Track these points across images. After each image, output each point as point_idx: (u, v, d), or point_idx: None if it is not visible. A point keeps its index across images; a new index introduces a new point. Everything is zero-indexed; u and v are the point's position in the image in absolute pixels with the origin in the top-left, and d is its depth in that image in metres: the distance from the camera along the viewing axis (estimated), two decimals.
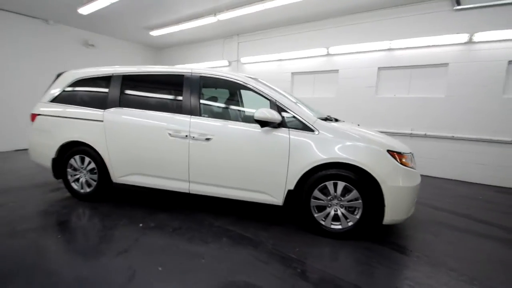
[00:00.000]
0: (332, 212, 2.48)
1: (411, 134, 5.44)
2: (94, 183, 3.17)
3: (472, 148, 4.90)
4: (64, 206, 3.06)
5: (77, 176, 3.24)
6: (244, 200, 2.70)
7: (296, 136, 2.48)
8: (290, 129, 2.52)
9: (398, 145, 2.52)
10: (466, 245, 2.52)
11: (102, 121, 3.01)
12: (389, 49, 5.51)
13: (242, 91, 3.40)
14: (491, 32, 4.51)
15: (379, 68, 5.71)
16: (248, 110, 3.12)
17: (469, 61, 4.80)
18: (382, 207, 2.35)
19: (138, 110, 2.94)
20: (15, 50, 6.37)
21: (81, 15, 6.20)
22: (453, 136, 5.04)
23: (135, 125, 2.89)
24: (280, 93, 2.75)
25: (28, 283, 1.74)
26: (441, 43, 4.97)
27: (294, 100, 2.87)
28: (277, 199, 2.58)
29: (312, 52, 6.35)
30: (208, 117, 2.77)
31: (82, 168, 3.19)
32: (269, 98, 2.62)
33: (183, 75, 2.90)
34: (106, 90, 3.14)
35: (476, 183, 4.84)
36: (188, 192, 2.83)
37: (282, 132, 2.51)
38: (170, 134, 2.75)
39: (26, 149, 4.05)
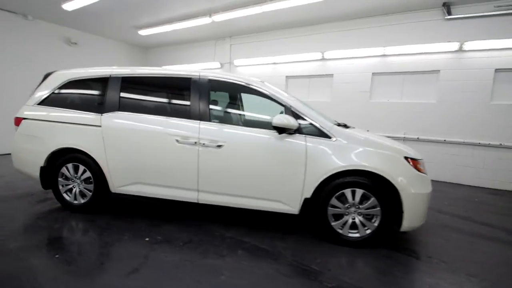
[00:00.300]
0: (350, 220, 2.43)
1: (404, 138, 5.58)
2: (89, 194, 2.91)
3: (463, 151, 5.11)
4: (56, 220, 2.78)
5: (70, 186, 2.96)
6: (257, 210, 2.58)
7: (313, 143, 2.41)
8: (306, 135, 2.45)
9: (412, 151, 2.53)
10: (477, 249, 2.57)
11: (99, 126, 2.77)
12: (383, 55, 5.64)
13: (251, 95, 3.28)
14: (479, 42, 4.74)
15: (373, 73, 5.83)
16: (261, 115, 3.01)
17: (459, 68, 5.01)
18: (400, 214, 2.34)
19: (141, 114, 2.74)
20: None
21: (64, 11, 5.80)
22: (445, 140, 5.23)
23: (138, 130, 2.69)
24: (294, 99, 2.67)
25: None
26: (433, 51, 5.16)
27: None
28: (293, 207, 2.49)
29: (307, 56, 6.37)
30: (219, 122, 2.64)
31: (75, 177, 2.92)
32: (284, 103, 2.54)
33: (190, 78, 2.74)
34: (103, 92, 2.90)
35: (468, 185, 5.04)
36: (196, 201, 2.67)
37: (298, 139, 2.43)
38: (177, 140, 2.58)
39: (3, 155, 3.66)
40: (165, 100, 2.85)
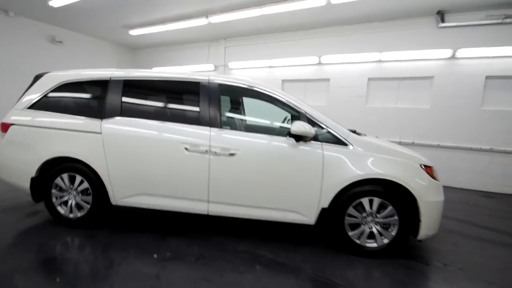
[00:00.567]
0: (367, 230, 2.39)
1: (399, 142, 5.68)
2: (87, 206, 2.68)
3: (456, 155, 5.27)
4: (51, 236, 2.53)
5: (65, 198, 2.72)
6: (271, 221, 2.48)
7: (330, 150, 2.35)
8: (322, 143, 2.38)
9: (425, 158, 2.53)
10: (487, 254, 2.61)
11: (99, 133, 2.56)
12: (379, 61, 5.74)
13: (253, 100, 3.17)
14: (471, 49, 4.92)
15: (369, 78, 5.91)
16: (275, 122, 2.92)
17: (452, 75, 5.18)
18: (417, 222, 2.32)
19: (146, 120, 2.56)
20: None
21: (49, 7, 5.46)
22: (438, 145, 5.38)
23: (143, 138, 2.51)
24: (307, 105, 2.60)
25: None
26: (427, 57, 5.30)
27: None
28: (309, 218, 2.41)
29: (304, 60, 6.37)
30: (230, 129, 2.52)
31: (71, 188, 2.69)
32: (299, 110, 2.46)
33: (198, 83, 2.60)
34: (102, 96, 2.70)
35: (460, 188, 5.20)
36: (206, 213, 2.53)
37: (315, 147, 2.36)
38: (186, 148, 2.43)
39: None
40: (171, 105, 2.70)
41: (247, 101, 3.09)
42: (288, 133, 2.40)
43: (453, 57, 5.10)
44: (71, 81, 2.80)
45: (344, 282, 2.01)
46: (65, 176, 2.66)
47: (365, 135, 2.88)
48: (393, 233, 2.36)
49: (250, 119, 3.05)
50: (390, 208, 2.32)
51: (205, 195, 2.48)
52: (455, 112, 5.21)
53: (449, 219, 3.49)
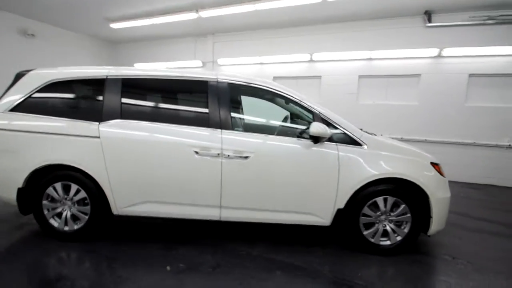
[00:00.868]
0: (381, 228, 2.41)
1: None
2: (84, 217, 2.45)
3: (442, 150, 5.51)
4: (45, 252, 2.29)
5: (58, 210, 2.47)
6: (285, 224, 2.42)
7: (345, 151, 2.33)
8: (337, 143, 2.35)
9: (431, 155, 2.59)
10: (490, 246, 2.74)
11: (98, 137, 2.34)
12: (369, 59, 5.85)
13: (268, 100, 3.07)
14: (456, 49, 5.16)
15: (359, 76, 6.02)
16: (287, 123, 2.84)
17: (438, 73, 5.41)
18: (428, 219, 2.37)
19: (149, 123, 2.38)
20: None
21: None
22: (425, 140, 5.61)
23: (148, 141, 2.33)
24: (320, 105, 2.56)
25: None
26: (414, 56, 5.48)
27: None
28: (325, 219, 2.38)
29: (296, 57, 6.34)
30: (242, 131, 2.41)
31: (66, 199, 2.44)
32: (313, 110, 2.41)
33: (206, 82, 2.46)
34: (98, 97, 2.47)
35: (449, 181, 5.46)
36: (219, 219, 2.41)
37: (330, 148, 2.33)
38: (196, 152, 2.29)
39: None
40: (177, 106, 2.53)
41: (256, 101, 2.99)
42: (299, 134, 2.35)
43: (439, 55, 5.32)
44: (61, 80, 2.53)
45: (364, 282, 2.01)
46: (58, 185, 2.41)
47: (375, 134, 2.89)
48: (406, 230, 2.39)
49: (261, 120, 2.95)
50: (403, 206, 2.35)
51: (217, 201, 2.36)
52: (441, 108, 5.45)
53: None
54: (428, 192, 2.31)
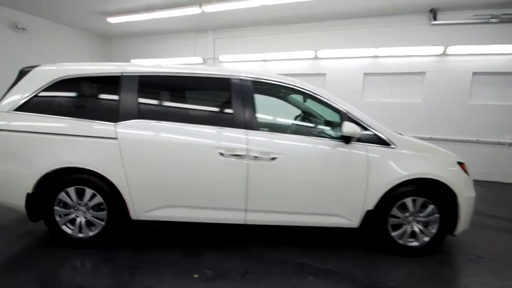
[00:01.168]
0: (409, 229, 2.37)
1: None
2: (100, 223, 2.31)
3: (446, 147, 5.56)
4: (59, 261, 2.14)
5: (71, 216, 2.31)
6: (312, 226, 2.36)
7: (374, 152, 2.27)
8: (366, 143, 2.29)
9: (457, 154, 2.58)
10: (506, 243, 2.77)
11: (115, 138, 2.20)
12: (375, 56, 5.84)
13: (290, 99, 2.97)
14: (460, 47, 5.20)
15: (364, 73, 6.00)
16: (313, 122, 2.75)
17: (442, 70, 5.45)
18: (455, 218, 2.36)
19: (170, 123, 2.25)
20: None
21: None
22: (430, 137, 5.66)
23: (169, 143, 2.20)
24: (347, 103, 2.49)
25: None
26: (419, 54, 5.50)
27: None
28: (353, 221, 2.33)
29: (300, 54, 6.26)
30: (268, 131, 2.31)
31: (80, 204, 2.29)
32: (341, 109, 2.34)
33: (229, 79, 2.35)
34: (113, 96, 2.31)
35: None
36: (243, 223, 2.32)
37: (359, 148, 2.27)
38: (221, 153, 2.18)
39: None
40: (199, 105, 2.40)
41: (281, 99, 2.89)
42: (326, 134, 2.28)
43: (444, 54, 5.35)
44: (70, 77, 2.36)
45: (400, 285, 1.97)
46: (71, 190, 2.25)
47: (401, 134, 2.86)
48: (433, 231, 2.37)
49: (286, 119, 2.86)
50: (432, 206, 2.32)
51: (243, 204, 2.27)
52: (445, 106, 5.51)
53: None
54: (457, 192, 2.29)
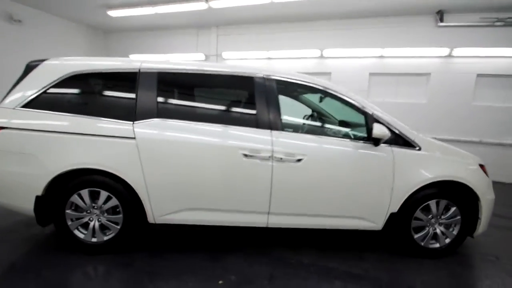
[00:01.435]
0: (431, 231, 2.36)
1: None
2: (116, 227, 2.19)
3: None
4: (70, 268, 2.02)
5: (84, 220, 2.19)
6: (334, 229, 2.31)
7: (400, 154, 2.24)
8: (391, 145, 2.25)
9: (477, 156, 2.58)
10: None
11: (133, 138, 2.08)
12: (381, 56, 5.83)
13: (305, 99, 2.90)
14: (466, 49, 5.24)
15: (370, 73, 5.99)
16: (338, 123, 2.70)
17: (448, 72, 5.49)
18: (475, 220, 2.35)
19: (190, 122, 2.15)
20: None
21: None
22: (435, 138, 5.70)
23: (191, 144, 2.11)
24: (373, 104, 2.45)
25: None
26: (425, 55, 5.52)
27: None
28: (376, 223, 2.29)
29: (305, 53, 6.19)
30: (292, 132, 2.24)
31: (94, 207, 2.17)
32: (366, 110, 2.29)
33: (252, 78, 2.26)
34: (130, 93, 2.19)
35: None
36: (265, 226, 2.25)
37: (384, 150, 2.23)
38: (245, 155, 2.10)
39: None
40: (221, 105, 2.31)
41: (303, 99, 2.82)
42: (353, 135, 2.23)
43: (449, 55, 5.39)
44: (83, 73, 2.23)
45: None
46: (85, 192, 2.13)
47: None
48: (455, 232, 2.37)
49: (313, 119, 2.79)
50: (454, 208, 2.31)
51: (266, 206, 2.20)
52: (449, 107, 5.56)
53: None
54: (480, 194, 2.28)
